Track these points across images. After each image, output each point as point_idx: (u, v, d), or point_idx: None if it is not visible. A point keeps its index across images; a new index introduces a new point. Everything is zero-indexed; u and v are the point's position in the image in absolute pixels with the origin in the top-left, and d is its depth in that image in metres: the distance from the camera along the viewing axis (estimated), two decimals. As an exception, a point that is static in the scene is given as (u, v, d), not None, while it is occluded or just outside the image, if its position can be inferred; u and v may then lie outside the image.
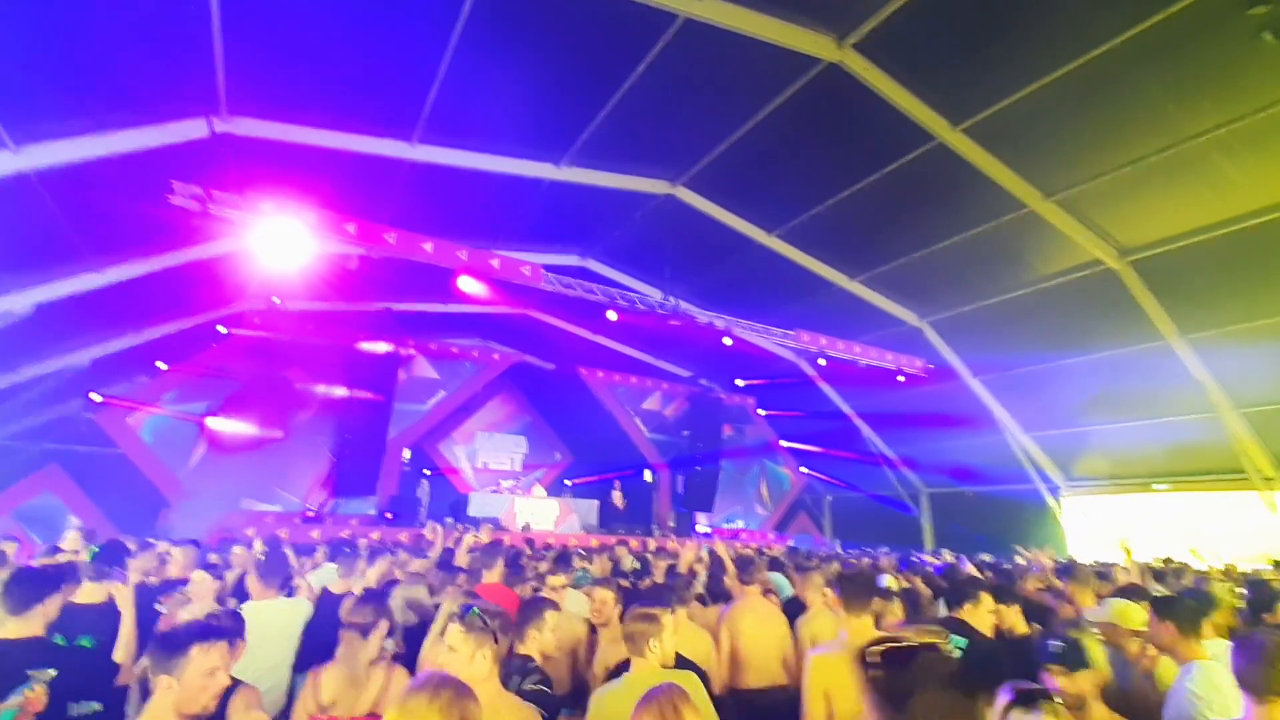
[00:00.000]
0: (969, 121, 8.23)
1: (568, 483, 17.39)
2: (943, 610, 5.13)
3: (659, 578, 6.03)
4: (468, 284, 9.41)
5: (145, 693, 2.93)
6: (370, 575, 4.47)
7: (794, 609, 4.53)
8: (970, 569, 6.19)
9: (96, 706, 2.50)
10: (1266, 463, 11.03)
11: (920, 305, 12.90)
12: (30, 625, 2.49)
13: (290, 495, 12.98)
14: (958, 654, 2.92)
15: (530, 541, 9.92)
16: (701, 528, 16.41)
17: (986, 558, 8.17)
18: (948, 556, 10.28)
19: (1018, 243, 10.25)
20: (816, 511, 19.91)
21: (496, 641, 2.29)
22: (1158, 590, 4.55)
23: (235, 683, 2.43)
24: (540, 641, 2.93)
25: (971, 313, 12.18)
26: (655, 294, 12.06)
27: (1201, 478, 12.00)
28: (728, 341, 12.14)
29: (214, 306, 11.78)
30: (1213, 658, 2.63)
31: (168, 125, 7.33)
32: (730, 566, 5.40)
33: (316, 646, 3.29)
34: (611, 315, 10.94)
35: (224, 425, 12.20)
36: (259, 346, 12.39)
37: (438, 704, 1.49)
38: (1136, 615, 3.07)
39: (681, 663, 2.80)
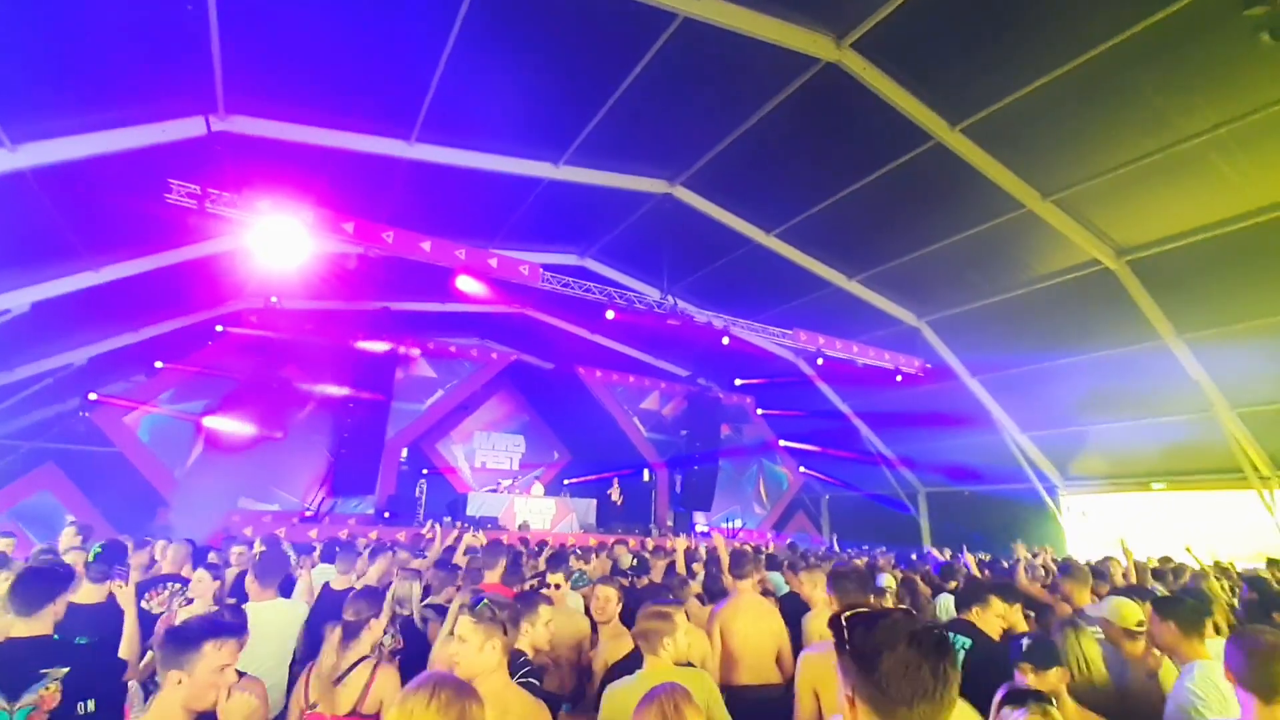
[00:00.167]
0: (967, 121, 8.23)
1: (566, 482, 17.39)
2: (944, 608, 5.16)
3: (657, 577, 6.04)
4: (466, 283, 9.40)
5: (147, 689, 2.94)
6: (371, 574, 4.48)
7: (791, 606, 4.54)
8: (968, 559, 6.20)
9: (92, 706, 2.49)
10: (1263, 462, 11.07)
11: (918, 305, 12.92)
12: (41, 624, 2.49)
13: (288, 494, 12.95)
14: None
15: (524, 540, 9.92)
16: (700, 527, 16.43)
17: (985, 556, 8.18)
18: (946, 555, 10.30)
19: (1015, 242, 10.26)
20: (814, 511, 19.94)
21: (506, 634, 2.30)
22: (1160, 590, 4.57)
23: (239, 676, 2.45)
24: (533, 636, 2.93)
25: (969, 312, 12.20)
26: (653, 293, 12.08)
27: (1198, 477, 12.04)
28: (726, 341, 12.14)
29: (211, 305, 11.77)
30: (1214, 657, 2.65)
31: (165, 123, 7.31)
32: (725, 561, 5.39)
33: (317, 643, 3.29)
34: (610, 314, 10.94)
35: (221, 424, 12.16)
36: (257, 345, 12.36)
37: (436, 703, 1.48)
38: (1132, 613, 3.08)
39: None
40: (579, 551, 7.57)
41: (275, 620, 3.55)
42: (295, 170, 8.56)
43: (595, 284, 10.87)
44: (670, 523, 16.52)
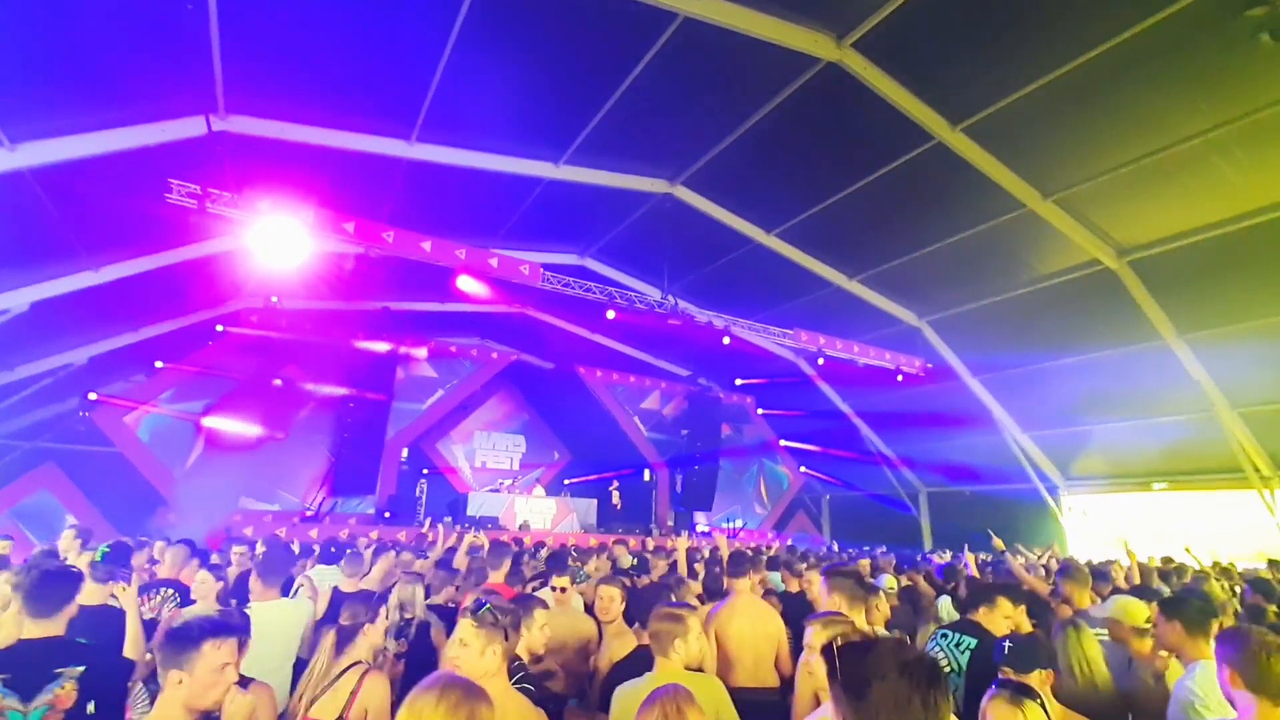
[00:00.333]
0: (968, 121, 8.23)
1: (566, 482, 17.38)
2: (944, 609, 5.15)
3: (657, 577, 6.03)
4: (466, 283, 9.40)
5: (149, 688, 2.93)
6: (374, 575, 4.47)
7: (793, 606, 4.53)
8: (969, 559, 6.19)
9: (92, 708, 2.49)
10: (1264, 462, 11.08)
11: (919, 305, 12.91)
12: (54, 625, 2.49)
13: (288, 494, 12.95)
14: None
15: (519, 541, 9.89)
16: (700, 527, 16.42)
17: (985, 556, 8.17)
18: (946, 557, 10.29)
19: (1016, 242, 10.26)
20: (815, 510, 19.94)
21: (507, 638, 2.29)
22: (1165, 591, 4.57)
23: (246, 680, 2.43)
24: (529, 640, 2.91)
25: (970, 312, 12.19)
26: (654, 293, 12.07)
27: (1199, 477, 12.05)
28: (726, 341, 12.14)
29: (211, 305, 11.76)
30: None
31: (165, 123, 7.30)
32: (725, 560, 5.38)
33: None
34: (610, 314, 10.93)
35: (222, 424, 12.16)
36: (257, 345, 12.35)
37: (444, 705, 1.47)
38: (1139, 611, 3.08)
39: None
40: (575, 554, 7.56)
41: (279, 620, 3.56)
42: (295, 170, 8.55)
43: (595, 284, 10.86)
44: (671, 522, 16.51)
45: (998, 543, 6.94)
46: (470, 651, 2.23)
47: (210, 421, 12.12)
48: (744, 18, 6.94)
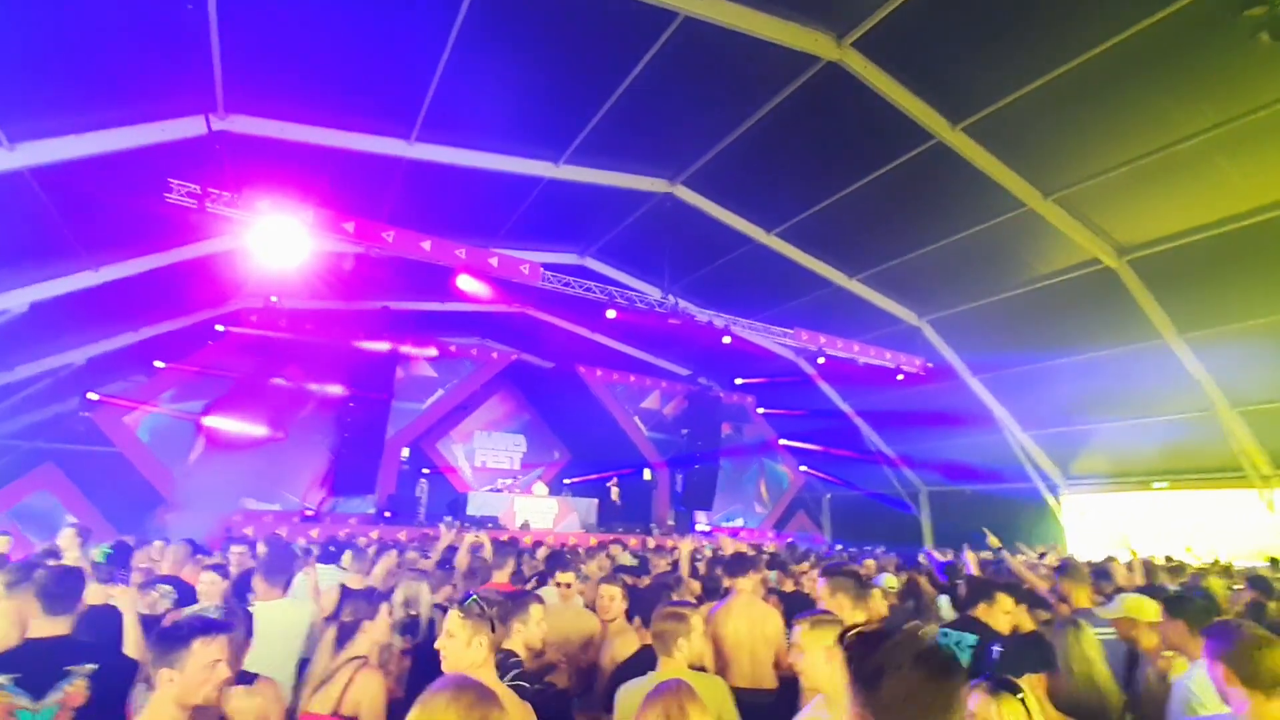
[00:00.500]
0: (968, 120, 8.23)
1: (566, 481, 17.38)
2: (944, 609, 5.14)
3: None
4: (466, 282, 9.40)
5: (150, 688, 2.93)
6: (376, 572, 4.48)
7: (795, 606, 4.53)
8: (969, 557, 6.19)
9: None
10: (1264, 461, 11.07)
11: (919, 304, 12.91)
12: (62, 624, 2.49)
13: (289, 494, 12.94)
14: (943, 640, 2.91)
15: (516, 540, 9.87)
16: (701, 526, 16.41)
17: (986, 555, 8.17)
18: (948, 555, 10.27)
19: (1016, 242, 10.26)
20: (815, 510, 19.93)
21: (494, 630, 2.30)
22: (1170, 589, 4.56)
23: (250, 676, 2.45)
24: (525, 635, 2.91)
25: (970, 311, 12.20)
26: (654, 292, 12.06)
27: (1199, 476, 12.04)
28: (727, 340, 12.14)
29: (211, 305, 11.75)
30: None
31: (165, 123, 7.30)
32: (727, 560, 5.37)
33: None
34: (610, 314, 10.93)
35: (221, 424, 12.15)
36: (257, 345, 12.34)
37: (457, 706, 1.47)
38: (1151, 608, 3.07)
39: None
40: (570, 556, 7.54)
41: (282, 620, 3.56)
42: (295, 170, 8.55)
43: (596, 283, 10.86)
44: (671, 522, 16.51)
45: (993, 540, 6.93)
46: (456, 642, 2.24)
47: (210, 421, 12.12)
48: (744, 17, 6.94)
